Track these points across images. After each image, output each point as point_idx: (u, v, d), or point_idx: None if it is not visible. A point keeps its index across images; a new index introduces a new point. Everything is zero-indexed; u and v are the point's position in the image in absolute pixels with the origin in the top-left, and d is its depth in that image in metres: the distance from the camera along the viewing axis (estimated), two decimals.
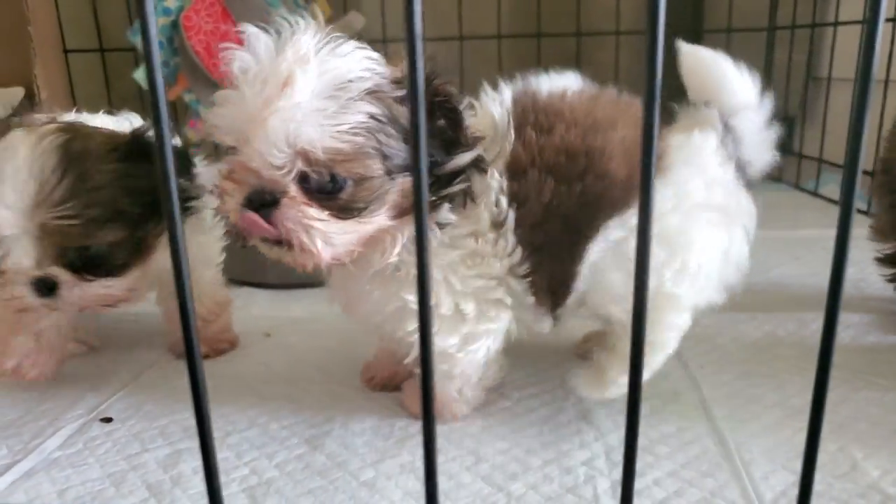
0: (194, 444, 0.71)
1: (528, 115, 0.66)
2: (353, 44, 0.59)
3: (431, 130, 0.58)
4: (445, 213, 0.62)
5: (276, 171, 0.57)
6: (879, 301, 1.01)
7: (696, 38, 1.62)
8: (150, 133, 0.73)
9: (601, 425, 0.72)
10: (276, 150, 0.56)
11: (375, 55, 0.60)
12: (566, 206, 0.64)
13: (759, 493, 0.61)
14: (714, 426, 0.72)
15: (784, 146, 1.95)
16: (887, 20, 1.41)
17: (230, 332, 0.95)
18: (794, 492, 0.60)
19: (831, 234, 0.35)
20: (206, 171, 0.82)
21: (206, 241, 0.87)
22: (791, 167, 1.77)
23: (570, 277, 0.66)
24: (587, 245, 0.65)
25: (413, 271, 0.63)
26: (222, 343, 0.93)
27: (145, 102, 1.86)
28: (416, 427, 0.73)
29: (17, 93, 1.72)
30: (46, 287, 0.71)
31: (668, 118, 0.72)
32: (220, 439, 0.71)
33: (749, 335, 0.92)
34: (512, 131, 0.65)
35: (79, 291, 0.72)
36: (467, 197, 0.63)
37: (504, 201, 0.64)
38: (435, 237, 0.63)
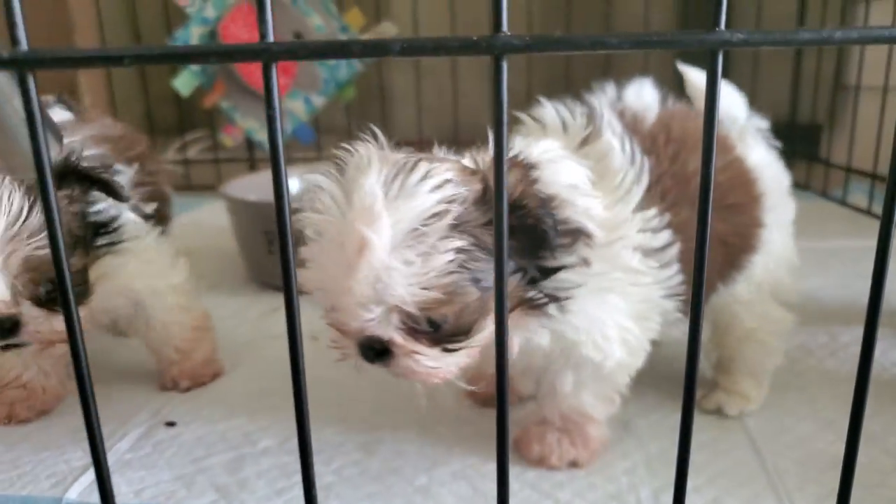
0: (255, 449, 0.76)
1: (656, 147, 0.68)
2: (423, 169, 0.54)
3: (519, 246, 0.56)
4: (551, 311, 0.61)
5: (375, 327, 0.56)
6: None
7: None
8: (82, 157, 0.72)
9: (641, 435, 0.76)
10: (367, 311, 0.54)
11: (451, 173, 0.55)
12: (722, 234, 0.70)
13: (793, 503, 0.64)
14: (750, 437, 0.75)
15: (811, 154, 1.96)
16: None
17: (215, 362, 0.92)
18: (828, 502, 0.63)
19: (860, 244, 0.37)
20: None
21: (151, 270, 0.83)
22: (818, 176, 1.79)
23: (714, 290, 0.75)
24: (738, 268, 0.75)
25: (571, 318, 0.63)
26: (205, 377, 0.90)
27: (181, 107, 1.92)
28: (463, 434, 0.77)
29: None
30: (5, 328, 0.68)
31: None
32: (278, 445, 0.76)
33: None
34: (645, 174, 0.66)
35: (46, 327, 0.69)
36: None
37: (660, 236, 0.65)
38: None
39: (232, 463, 0.73)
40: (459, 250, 0.53)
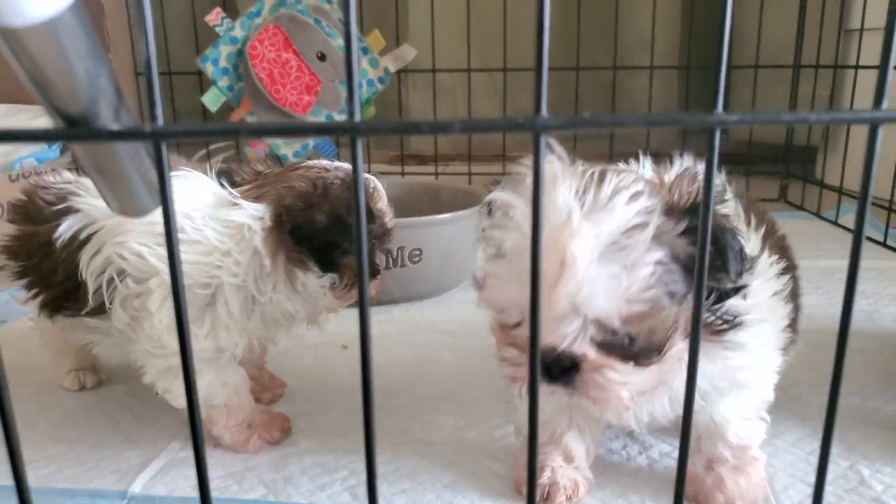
0: (296, 448, 0.84)
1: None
2: (613, 180, 0.54)
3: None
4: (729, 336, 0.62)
5: (570, 341, 0.55)
6: (891, 333, 1.12)
7: (726, 73, 1.72)
8: None
9: (644, 440, 0.84)
10: (567, 326, 0.54)
11: (640, 184, 0.55)
12: None
13: (779, 502, 0.72)
14: None
15: (806, 175, 2.03)
16: None
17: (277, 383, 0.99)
18: (810, 502, 0.71)
19: None
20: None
21: None
22: (812, 196, 1.87)
23: None
24: None
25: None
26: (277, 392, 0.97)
27: (207, 121, 2.01)
28: (488, 437, 0.85)
29: None
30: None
31: None
32: (317, 444, 0.84)
33: None
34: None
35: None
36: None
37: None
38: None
39: (277, 461, 0.81)
40: (658, 262, 0.53)
